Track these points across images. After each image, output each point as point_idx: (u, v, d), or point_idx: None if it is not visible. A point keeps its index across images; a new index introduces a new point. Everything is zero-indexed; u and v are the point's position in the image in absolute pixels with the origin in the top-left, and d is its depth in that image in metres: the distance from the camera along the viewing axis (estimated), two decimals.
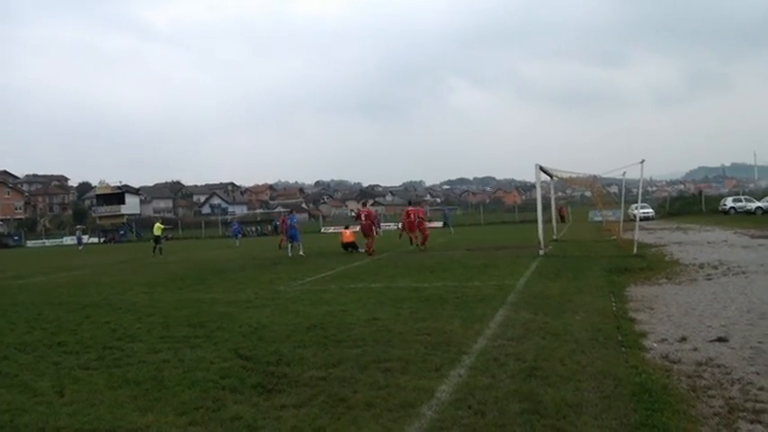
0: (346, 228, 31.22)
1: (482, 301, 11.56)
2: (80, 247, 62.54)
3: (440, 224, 66.08)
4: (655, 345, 7.88)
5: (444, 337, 8.56)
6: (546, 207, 31.93)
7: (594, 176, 30.77)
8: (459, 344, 8.07)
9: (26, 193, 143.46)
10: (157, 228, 38.85)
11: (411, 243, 29.08)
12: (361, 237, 28.66)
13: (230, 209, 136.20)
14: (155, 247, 37.01)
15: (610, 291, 12.43)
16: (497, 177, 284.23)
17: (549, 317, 9.65)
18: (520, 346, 7.81)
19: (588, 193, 40.05)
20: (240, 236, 51.96)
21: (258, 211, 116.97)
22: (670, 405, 5.45)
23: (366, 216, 28.62)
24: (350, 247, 28.66)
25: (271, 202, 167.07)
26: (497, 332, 8.72)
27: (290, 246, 29.46)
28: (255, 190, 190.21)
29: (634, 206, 39.55)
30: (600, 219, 42.21)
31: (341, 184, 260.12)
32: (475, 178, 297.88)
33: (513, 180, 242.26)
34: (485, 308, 10.79)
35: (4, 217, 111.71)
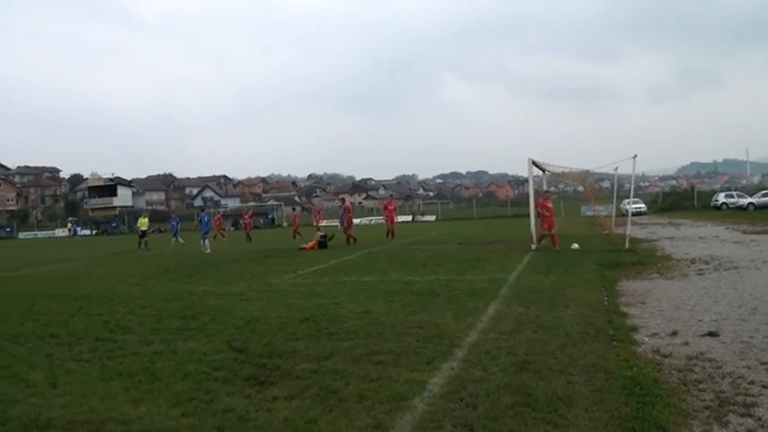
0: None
1: (474, 295, 11.58)
2: (76, 237, 63.44)
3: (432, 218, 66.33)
4: (646, 339, 7.91)
5: (436, 330, 8.58)
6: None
7: (587, 171, 30.77)
8: (452, 337, 8.09)
9: (18, 185, 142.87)
10: (143, 222, 38.61)
11: (387, 236, 30.54)
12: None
13: (222, 201, 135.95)
14: (140, 242, 36.73)
15: (601, 285, 12.46)
16: (490, 171, 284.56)
17: (541, 311, 9.67)
18: (512, 339, 7.83)
19: (581, 188, 40.02)
20: (177, 235, 39.93)
21: (251, 203, 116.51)
22: (661, 398, 5.47)
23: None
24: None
25: (264, 194, 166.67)
26: (489, 325, 8.74)
27: (204, 242, 31.10)
28: (248, 183, 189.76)
29: (626, 201, 39.60)
30: (592, 213, 42.20)
31: (334, 177, 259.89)
32: (468, 172, 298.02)
33: (505, 174, 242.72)
34: (477, 301, 10.81)
35: None
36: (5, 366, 7.79)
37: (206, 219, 33.04)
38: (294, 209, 67.19)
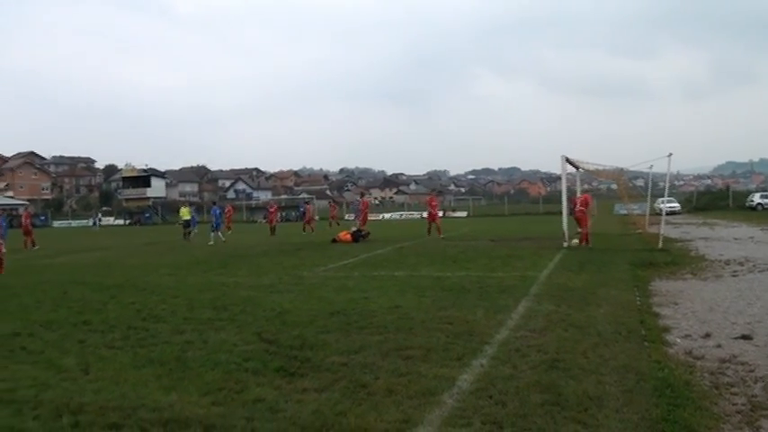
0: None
1: (505, 292, 11.55)
2: (95, 228, 64.41)
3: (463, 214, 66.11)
4: (678, 340, 7.84)
5: (466, 326, 8.58)
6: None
7: (621, 169, 30.49)
8: (482, 334, 8.08)
9: (53, 175, 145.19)
10: (184, 212, 38.65)
11: (437, 232, 29.62)
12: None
13: (255, 194, 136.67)
14: (188, 232, 36.70)
15: (634, 284, 12.37)
16: (522, 168, 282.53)
17: (573, 309, 9.63)
18: (542, 337, 7.81)
19: (614, 186, 39.66)
20: (195, 227, 39.29)
21: (283, 197, 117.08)
22: (692, 401, 5.43)
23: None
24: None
25: (296, 188, 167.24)
26: (520, 323, 8.72)
27: (212, 234, 32.41)
28: (280, 176, 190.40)
29: (660, 200, 39.22)
30: (625, 212, 41.84)
31: (365, 171, 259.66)
32: (500, 169, 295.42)
33: (538, 171, 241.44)
34: (507, 299, 10.78)
35: (30, 197, 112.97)
36: (39, 352, 7.94)
37: (217, 212, 33.88)
38: (308, 201, 66.75)
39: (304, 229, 40.34)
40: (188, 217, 37.79)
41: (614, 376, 6.12)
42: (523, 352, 7.08)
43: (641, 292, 11.43)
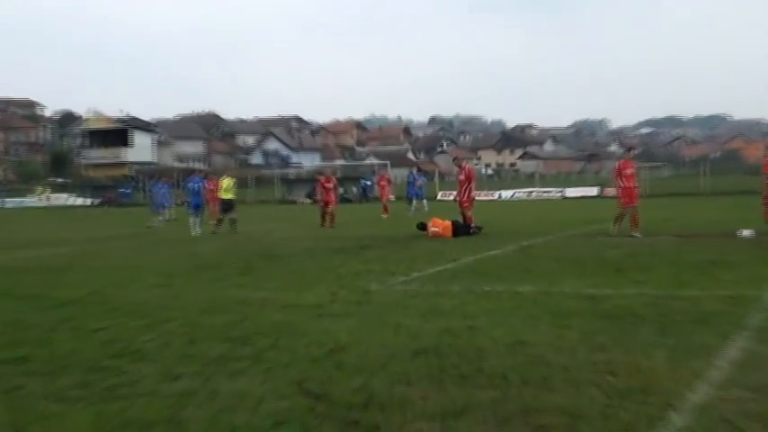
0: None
1: (704, 323, 11.34)
2: None
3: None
4: None
5: (639, 379, 8.44)
6: None
7: None
8: (665, 392, 7.93)
9: None
10: (227, 185, 36.58)
11: (619, 223, 27.40)
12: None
13: (294, 157, 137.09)
14: (231, 219, 35.45)
15: None
16: (734, 117, 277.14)
17: None
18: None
19: None
20: (168, 208, 44.08)
21: (337, 163, 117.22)
22: None
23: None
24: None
25: (358, 148, 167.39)
26: (731, 375, 8.52)
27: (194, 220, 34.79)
28: (334, 129, 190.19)
29: None
30: None
31: (470, 122, 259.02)
32: (695, 117, 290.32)
33: (759, 121, 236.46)
34: (708, 334, 10.56)
35: None
36: None
37: (197, 186, 36.32)
38: (372, 177, 64.20)
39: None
40: (231, 196, 35.88)
41: None
42: (737, 424, 6.91)
43: None
